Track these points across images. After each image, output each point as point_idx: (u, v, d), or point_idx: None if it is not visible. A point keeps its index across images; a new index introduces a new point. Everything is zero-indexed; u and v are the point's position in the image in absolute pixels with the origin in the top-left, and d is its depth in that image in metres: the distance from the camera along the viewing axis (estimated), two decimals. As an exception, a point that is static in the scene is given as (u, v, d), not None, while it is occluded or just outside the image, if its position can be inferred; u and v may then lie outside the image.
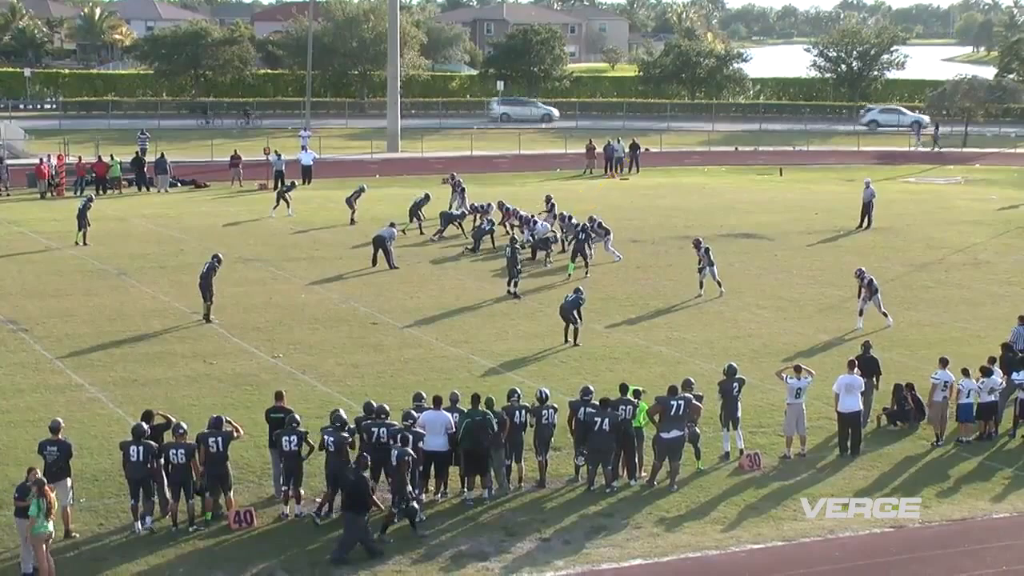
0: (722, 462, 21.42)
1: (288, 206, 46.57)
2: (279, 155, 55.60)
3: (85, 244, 39.69)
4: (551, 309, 30.15)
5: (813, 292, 34.94)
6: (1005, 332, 26.90)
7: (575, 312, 28.48)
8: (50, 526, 16.30)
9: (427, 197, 44.37)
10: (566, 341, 28.48)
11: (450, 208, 44.80)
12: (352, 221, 44.46)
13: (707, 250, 33.83)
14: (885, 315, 30.62)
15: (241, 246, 40.28)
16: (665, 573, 17.35)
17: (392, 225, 38.50)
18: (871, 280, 30.55)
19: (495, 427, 19.44)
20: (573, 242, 37.13)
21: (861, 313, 30.53)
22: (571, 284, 33.78)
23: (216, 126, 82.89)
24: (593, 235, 37.54)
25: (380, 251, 36.96)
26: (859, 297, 30.77)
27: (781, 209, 50.74)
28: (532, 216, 40.47)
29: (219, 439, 18.40)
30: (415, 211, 43.40)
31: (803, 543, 18.36)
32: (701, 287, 33.77)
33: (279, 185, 50.69)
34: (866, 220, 45.78)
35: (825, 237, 43.82)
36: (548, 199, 43.26)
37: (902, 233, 45.10)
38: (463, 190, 46.66)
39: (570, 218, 39.88)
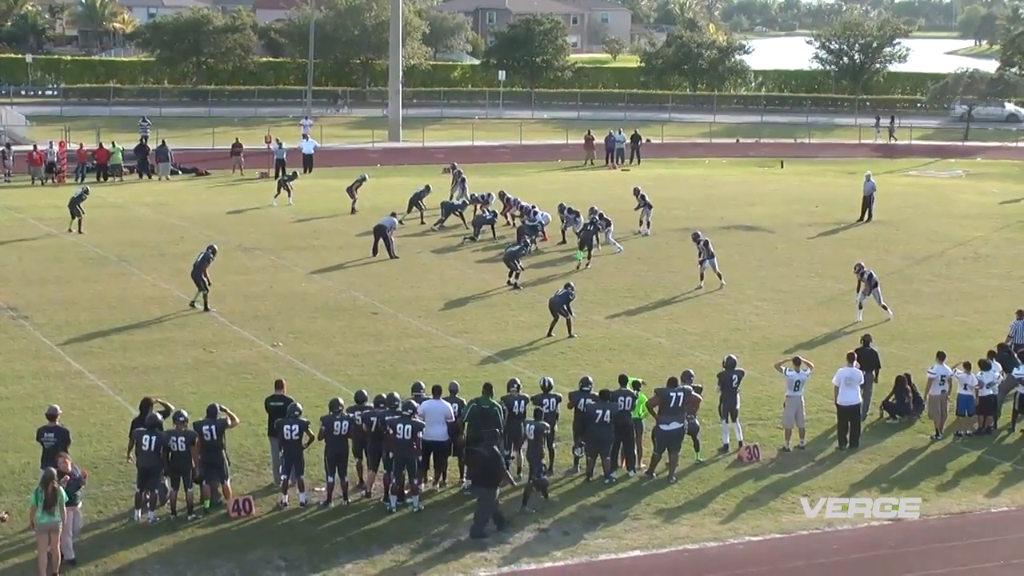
0: (721, 454, 21.42)
1: (289, 195, 46.54)
2: (280, 144, 55.60)
3: (80, 232, 39.61)
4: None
5: (813, 285, 34.92)
6: (1005, 326, 26.88)
7: (564, 306, 28.43)
8: (55, 518, 16.17)
9: (427, 189, 44.32)
10: (549, 335, 28.32)
11: (451, 198, 44.78)
12: (353, 210, 44.42)
13: (706, 243, 33.88)
14: (885, 308, 30.62)
15: (242, 234, 40.26)
16: (663, 565, 17.35)
17: (393, 215, 38.49)
18: (870, 274, 30.55)
19: (501, 419, 19.39)
20: (581, 232, 37.36)
21: (860, 307, 30.53)
22: (577, 274, 33.79)
23: (332, 113, 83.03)
24: (598, 226, 37.84)
25: (381, 240, 36.94)
26: (858, 291, 30.77)
27: (782, 201, 50.69)
28: (533, 206, 40.50)
29: (213, 427, 18.38)
30: (415, 201, 43.36)
31: (801, 536, 18.36)
32: (701, 279, 33.75)
33: (280, 174, 50.67)
34: (867, 213, 45.74)
35: (826, 230, 43.77)
36: (637, 191, 42.60)
37: (903, 226, 45.06)
38: (463, 180, 46.67)
39: (570, 209, 39.92)
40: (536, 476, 18.86)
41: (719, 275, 33.72)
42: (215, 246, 31.48)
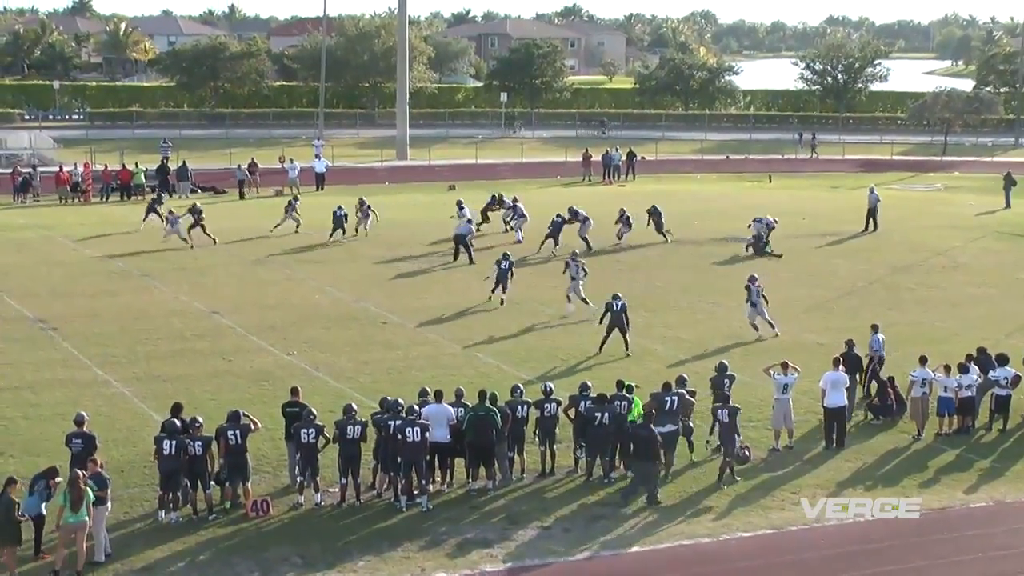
0: (714, 454, 21.41)
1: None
2: (293, 161, 55.75)
3: None
4: (552, 310, 30.16)
5: (800, 293, 34.92)
6: (981, 331, 26.96)
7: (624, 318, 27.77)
8: (82, 517, 16.23)
9: (493, 199, 45.35)
10: (599, 352, 27.29)
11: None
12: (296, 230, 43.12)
13: (760, 290, 29.74)
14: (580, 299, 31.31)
15: (257, 249, 40.30)
16: (660, 560, 17.35)
17: (469, 221, 39.70)
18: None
19: (499, 423, 19.45)
20: (767, 238, 40.40)
21: (569, 300, 31.06)
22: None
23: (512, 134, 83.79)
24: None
25: (461, 247, 37.93)
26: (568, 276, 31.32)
27: (770, 214, 50.45)
28: (515, 199, 43.40)
29: (237, 432, 18.45)
30: (485, 212, 44.61)
31: (790, 531, 18.35)
32: (773, 328, 29.66)
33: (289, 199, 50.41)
34: (871, 224, 45.80)
35: (812, 242, 43.80)
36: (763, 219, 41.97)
37: (885, 237, 45.08)
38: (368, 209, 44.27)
39: (628, 215, 42.07)
40: (739, 451, 20.07)
41: (770, 323, 29.86)
42: None
